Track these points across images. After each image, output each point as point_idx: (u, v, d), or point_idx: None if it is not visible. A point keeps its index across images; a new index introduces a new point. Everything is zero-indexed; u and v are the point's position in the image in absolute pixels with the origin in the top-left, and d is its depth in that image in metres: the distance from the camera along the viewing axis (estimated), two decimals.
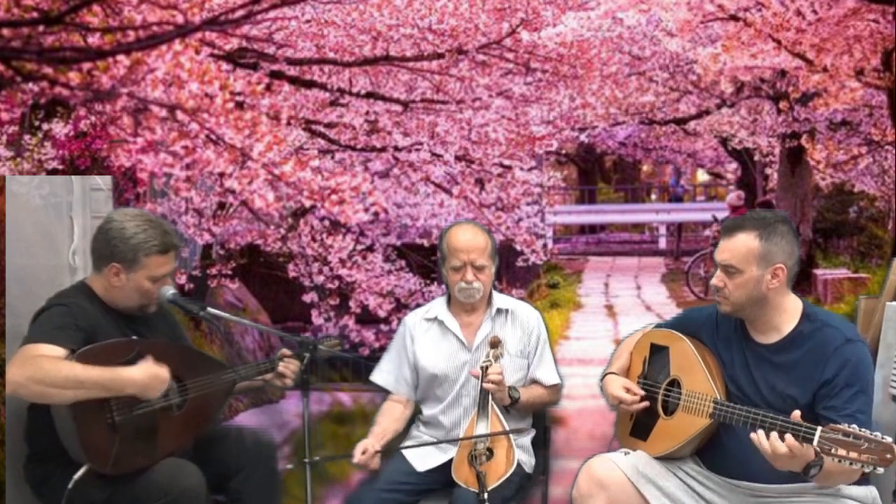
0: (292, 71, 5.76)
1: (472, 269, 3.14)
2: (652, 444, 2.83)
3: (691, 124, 11.78)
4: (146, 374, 2.72)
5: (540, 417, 3.33)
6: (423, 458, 3.15)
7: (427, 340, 3.25)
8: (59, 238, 3.44)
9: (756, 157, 11.81)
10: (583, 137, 12.38)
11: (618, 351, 3.06)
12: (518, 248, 7.03)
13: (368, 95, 6.06)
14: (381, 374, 3.32)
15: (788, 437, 2.40)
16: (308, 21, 5.57)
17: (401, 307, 6.91)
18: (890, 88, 6.69)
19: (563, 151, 17.27)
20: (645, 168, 22.87)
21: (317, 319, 6.96)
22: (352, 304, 6.78)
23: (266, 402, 6.54)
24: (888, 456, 2.28)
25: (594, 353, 7.42)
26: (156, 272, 2.90)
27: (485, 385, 3.01)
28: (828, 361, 2.58)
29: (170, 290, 2.96)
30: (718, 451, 2.74)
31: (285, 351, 3.09)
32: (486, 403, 3.03)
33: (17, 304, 3.12)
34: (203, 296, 6.56)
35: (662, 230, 16.21)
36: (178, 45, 3.61)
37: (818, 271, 9.84)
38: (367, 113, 6.09)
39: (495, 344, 3.08)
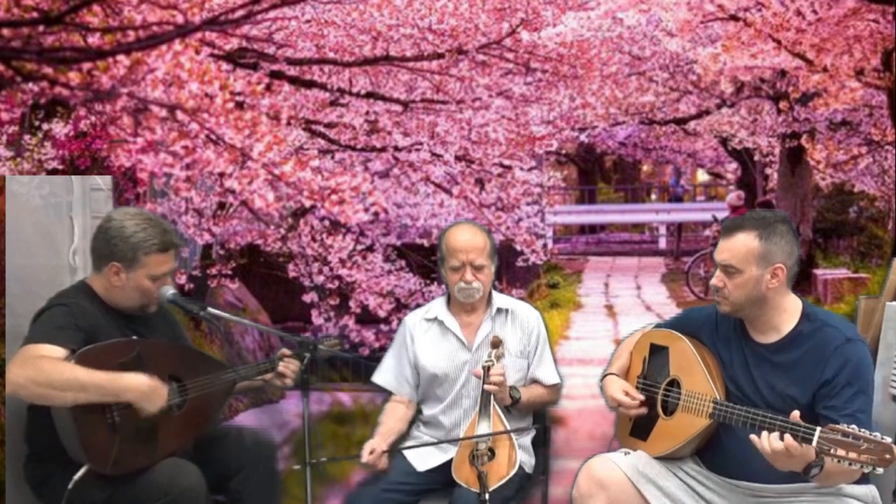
0: (292, 71, 5.77)
1: (470, 269, 3.14)
2: (652, 444, 2.83)
3: (691, 124, 11.78)
4: (147, 385, 2.71)
5: (540, 417, 3.33)
6: (423, 458, 3.15)
7: (427, 340, 3.25)
8: (59, 238, 3.44)
9: (756, 157, 11.81)
10: (583, 137, 12.38)
11: (618, 351, 3.06)
12: (518, 248, 7.03)
13: (368, 95, 6.06)
14: (383, 375, 3.32)
15: (787, 436, 2.40)
16: (308, 21, 5.57)
17: (401, 307, 6.91)
18: (890, 88, 6.69)
19: (563, 151, 17.27)
20: (645, 168, 22.87)
21: (317, 319, 6.96)
22: (352, 304, 6.78)
23: (266, 402, 6.55)
24: (887, 456, 2.28)
25: (594, 353, 7.42)
26: (156, 271, 2.90)
27: (486, 386, 3.01)
28: (828, 361, 2.58)
29: (170, 290, 2.96)
30: (718, 451, 2.74)
31: (285, 351, 3.09)
32: (487, 403, 3.03)
33: (17, 304, 3.12)
34: (203, 296, 6.56)
35: (662, 230, 16.21)
36: (178, 45, 3.61)
37: (818, 271, 9.84)
38: (367, 113, 6.09)
39: (497, 344, 3.08)
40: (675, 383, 2.82)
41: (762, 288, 2.64)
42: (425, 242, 7.76)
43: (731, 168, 15.66)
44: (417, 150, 6.17)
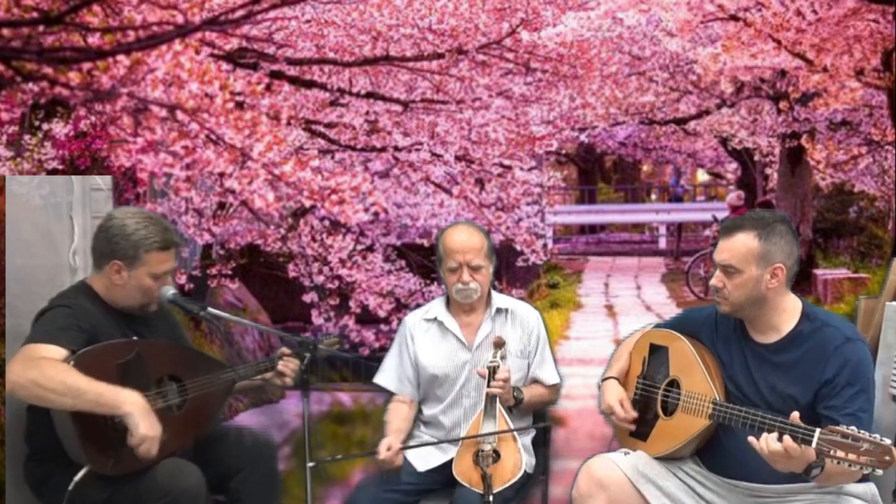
0: (292, 71, 5.77)
1: (468, 270, 3.14)
2: (651, 444, 2.83)
3: (691, 124, 11.78)
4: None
5: (540, 417, 3.33)
6: (423, 458, 3.15)
7: (427, 340, 3.25)
8: (59, 238, 3.44)
9: (756, 157, 11.81)
10: (583, 137, 12.38)
11: (617, 352, 3.06)
12: (518, 248, 7.03)
13: (368, 95, 6.06)
14: (384, 376, 3.32)
15: (786, 438, 2.40)
16: (308, 21, 5.57)
17: (401, 307, 6.91)
18: (890, 88, 6.69)
19: (563, 151, 17.28)
20: (645, 168, 22.87)
21: (317, 319, 6.96)
22: (352, 304, 6.78)
23: (266, 402, 6.55)
24: (887, 458, 2.28)
25: (594, 353, 7.42)
26: (157, 269, 2.90)
27: (492, 386, 3.00)
28: (828, 361, 2.58)
29: (170, 290, 2.96)
30: (718, 452, 2.74)
31: (285, 350, 3.09)
32: (493, 404, 3.02)
33: (17, 304, 3.12)
34: (203, 296, 6.56)
35: (662, 230, 16.21)
36: (178, 45, 3.61)
37: (818, 271, 9.85)
38: (367, 113, 6.09)
39: (500, 344, 3.08)
40: (674, 383, 2.82)
41: (762, 288, 2.64)
42: (425, 242, 7.76)
43: (731, 168, 15.66)
44: (417, 150, 6.17)
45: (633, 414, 2.88)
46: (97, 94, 3.52)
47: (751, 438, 2.47)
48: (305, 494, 2.86)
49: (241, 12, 4.39)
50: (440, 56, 5.85)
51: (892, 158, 8.65)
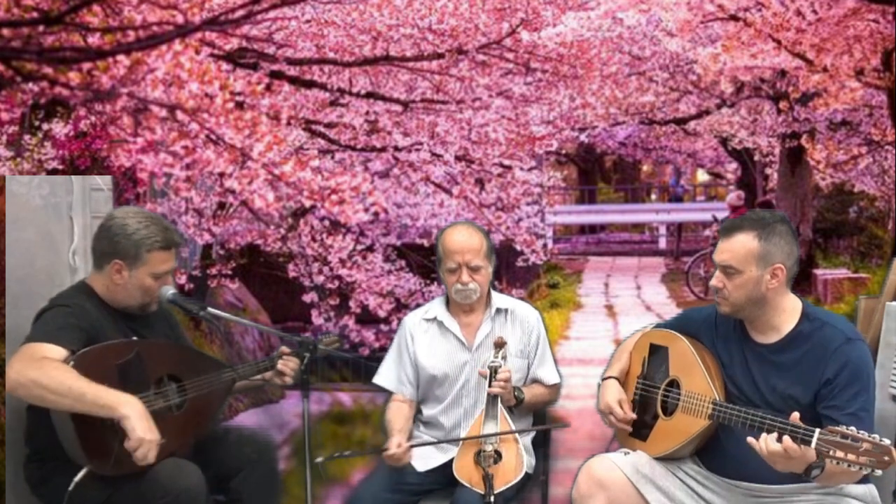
0: (292, 71, 5.77)
1: (467, 271, 3.14)
2: (651, 444, 2.83)
3: (691, 124, 11.78)
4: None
5: (541, 417, 3.33)
6: (423, 459, 3.15)
7: (426, 341, 3.25)
8: (59, 238, 3.43)
9: (756, 157, 11.81)
10: (583, 137, 12.38)
11: (617, 353, 3.06)
12: (518, 248, 7.03)
13: (368, 95, 6.06)
14: (384, 376, 3.31)
15: (786, 438, 2.40)
16: (308, 21, 5.58)
17: (401, 307, 6.91)
18: (890, 88, 6.69)
19: (563, 151, 17.27)
20: (645, 168, 22.87)
21: (317, 319, 6.96)
22: (352, 304, 6.79)
23: (266, 402, 6.55)
24: (886, 458, 2.28)
25: (594, 353, 7.42)
26: (158, 268, 2.91)
27: (494, 386, 3.00)
28: (828, 361, 2.58)
29: (170, 290, 2.96)
30: (718, 452, 2.74)
31: (284, 349, 3.09)
32: (494, 404, 3.02)
33: (17, 304, 3.12)
34: (203, 296, 6.56)
35: (662, 230, 16.21)
36: (178, 45, 3.62)
37: (818, 271, 9.85)
38: (367, 113, 6.09)
39: (501, 345, 3.08)
40: (674, 384, 2.82)
41: (762, 288, 2.64)
42: (425, 242, 7.76)
43: (731, 168, 15.66)
44: (417, 150, 6.18)
45: (632, 416, 2.88)
46: (97, 94, 3.53)
47: (750, 439, 2.47)
48: (305, 494, 2.86)
49: (241, 12, 4.39)
50: (440, 56, 5.86)
51: (892, 158, 8.65)
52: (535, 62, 6.32)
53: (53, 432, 2.75)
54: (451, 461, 3.04)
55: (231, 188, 4.01)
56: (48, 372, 2.61)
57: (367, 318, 6.95)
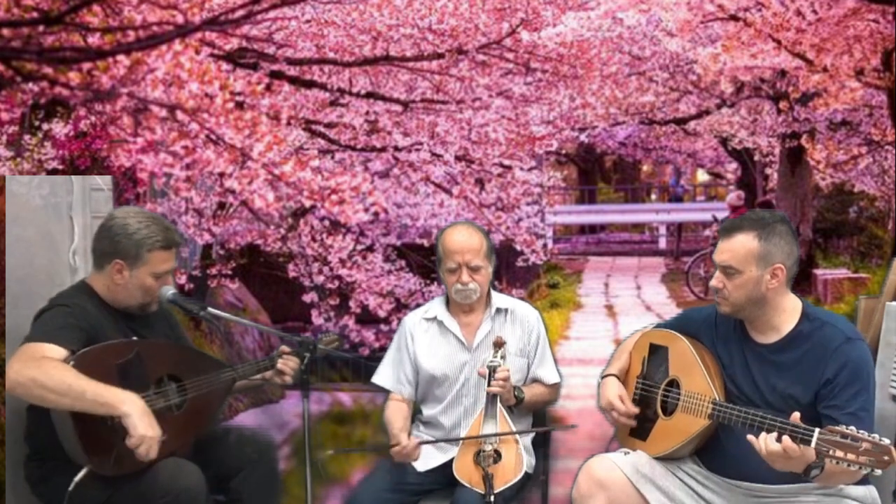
0: (292, 71, 5.77)
1: (467, 271, 3.14)
2: (651, 444, 2.83)
3: (691, 124, 11.78)
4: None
5: (541, 417, 3.33)
6: (423, 459, 3.15)
7: (426, 340, 3.25)
8: (59, 238, 3.44)
9: (756, 157, 11.81)
10: (583, 137, 12.38)
11: (617, 352, 3.06)
12: (518, 248, 7.03)
13: (368, 95, 6.06)
14: (382, 375, 3.32)
15: (785, 438, 2.40)
16: (308, 21, 5.58)
17: (401, 307, 6.92)
18: (890, 88, 6.70)
19: (563, 151, 17.27)
20: (645, 168, 22.87)
21: (317, 319, 6.96)
22: (352, 304, 6.79)
23: (266, 401, 6.55)
24: (886, 458, 2.28)
25: (594, 353, 7.42)
26: (158, 268, 2.91)
27: (493, 385, 3.00)
28: (828, 361, 2.58)
29: (170, 290, 2.96)
30: (718, 452, 2.74)
31: (284, 348, 3.09)
32: (493, 404, 3.02)
33: (17, 304, 3.12)
34: (203, 296, 6.56)
35: (662, 230, 16.21)
36: (178, 45, 3.62)
37: (818, 271, 9.85)
38: (367, 113, 6.09)
39: (500, 344, 3.08)
40: (674, 383, 2.82)
41: (762, 288, 2.64)
42: (425, 242, 7.76)
43: (731, 168, 15.66)
44: (417, 150, 6.18)
45: (634, 409, 2.87)
46: (97, 94, 3.53)
47: (750, 437, 2.47)
48: (305, 494, 2.86)
49: (241, 12, 4.39)
50: (440, 56, 5.86)
51: (892, 158, 8.66)
52: (535, 62, 6.32)
53: (53, 432, 2.75)
54: (451, 461, 3.05)
55: (231, 188, 4.01)
56: (48, 371, 2.61)
57: (367, 318, 6.95)
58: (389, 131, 6.08)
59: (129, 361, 2.77)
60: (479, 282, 3.16)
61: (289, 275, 6.93)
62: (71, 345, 2.71)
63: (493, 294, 3.27)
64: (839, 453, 2.31)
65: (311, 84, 5.89)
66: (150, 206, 6.03)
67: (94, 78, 3.50)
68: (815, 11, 6.35)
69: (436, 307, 3.29)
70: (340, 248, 6.64)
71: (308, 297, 6.92)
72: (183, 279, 6.20)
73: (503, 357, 3.06)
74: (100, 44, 3.63)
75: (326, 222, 6.65)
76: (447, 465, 3.06)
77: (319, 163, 4.42)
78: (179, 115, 3.66)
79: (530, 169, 6.99)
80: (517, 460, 2.97)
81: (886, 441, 2.31)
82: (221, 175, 4.06)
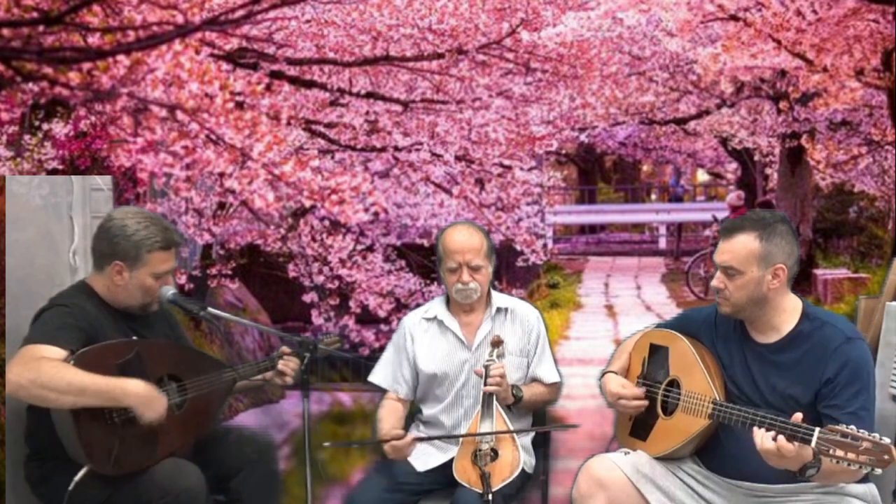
0: (292, 71, 5.77)
1: (467, 270, 3.14)
2: (651, 444, 2.83)
3: (691, 124, 11.77)
4: (146, 390, 2.71)
5: (541, 417, 3.33)
6: (423, 458, 3.15)
7: (426, 340, 3.25)
8: (59, 238, 3.43)
9: (756, 157, 11.80)
10: (583, 137, 12.37)
11: (617, 352, 3.06)
12: (518, 248, 7.03)
13: (368, 95, 6.06)
14: (379, 374, 3.32)
15: (780, 438, 2.40)
16: (308, 21, 5.58)
17: (401, 307, 6.92)
18: (890, 88, 6.70)
19: (563, 151, 17.26)
20: (645, 168, 22.86)
21: (317, 319, 6.96)
22: (352, 304, 6.79)
23: (266, 402, 6.55)
24: (886, 457, 2.28)
25: (594, 353, 7.42)
26: (158, 269, 2.91)
27: (488, 383, 3.01)
28: (828, 360, 2.58)
29: (170, 290, 2.96)
30: (718, 452, 2.74)
31: (285, 349, 3.09)
32: (490, 403, 3.03)
33: (17, 304, 3.12)
34: (203, 296, 6.56)
35: (662, 230, 16.20)
36: (178, 45, 3.62)
37: (818, 271, 9.85)
38: (367, 113, 6.10)
39: (497, 343, 3.09)
40: (674, 383, 2.82)
41: (763, 289, 2.64)
42: (425, 242, 7.76)
43: (731, 168, 15.65)
44: (417, 150, 6.18)
45: (639, 391, 2.86)
46: (97, 94, 3.53)
47: (754, 428, 2.47)
48: (305, 494, 2.86)
49: (241, 12, 4.39)
50: (440, 56, 5.86)
51: (892, 158, 8.65)
52: (535, 62, 6.33)
53: (53, 431, 2.75)
54: (450, 461, 3.04)
55: (231, 188, 4.02)
56: (46, 371, 2.61)
57: (367, 318, 6.95)
58: (389, 131, 6.08)
59: (128, 361, 2.77)
60: (479, 281, 3.16)
61: (289, 275, 6.93)
62: (70, 345, 2.71)
63: (494, 294, 3.27)
64: (839, 452, 2.31)
65: (311, 84, 5.89)
66: (150, 206, 6.03)
67: (94, 78, 3.50)
68: (815, 11, 6.35)
69: (436, 307, 3.29)
70: (340, 248, 6.64)
71: (308, 297, 6.93)
72: (183, 279, 6.20)
73: (500, 356, 3.06)
74: (100, 44, 3.63)
75: (326, 222, 6.65)
76: (447, 465, 3.05)
77: (319, 163, 4.42)
78: (179, 115, 3.67)
79: (530, 169, 6.99)
80: (514, 457, 2.97)
81: (887, 440, 2.31)
82: (221, 175, 4.06)
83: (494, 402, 3.03)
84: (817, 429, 2.37)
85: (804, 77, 6.87)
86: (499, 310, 3.24)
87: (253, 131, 3.82)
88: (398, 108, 6.14)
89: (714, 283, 2.71)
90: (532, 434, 3.24)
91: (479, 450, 2.96)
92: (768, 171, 12.18)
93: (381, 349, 3.41)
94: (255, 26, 5.28)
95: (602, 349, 7.26)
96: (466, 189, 6.59)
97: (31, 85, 3.51)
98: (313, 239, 6.66)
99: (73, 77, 3.47)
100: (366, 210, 4.11)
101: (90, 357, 2.70)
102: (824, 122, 9.20)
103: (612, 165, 21.41)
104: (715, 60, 7.00)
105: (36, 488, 2.88)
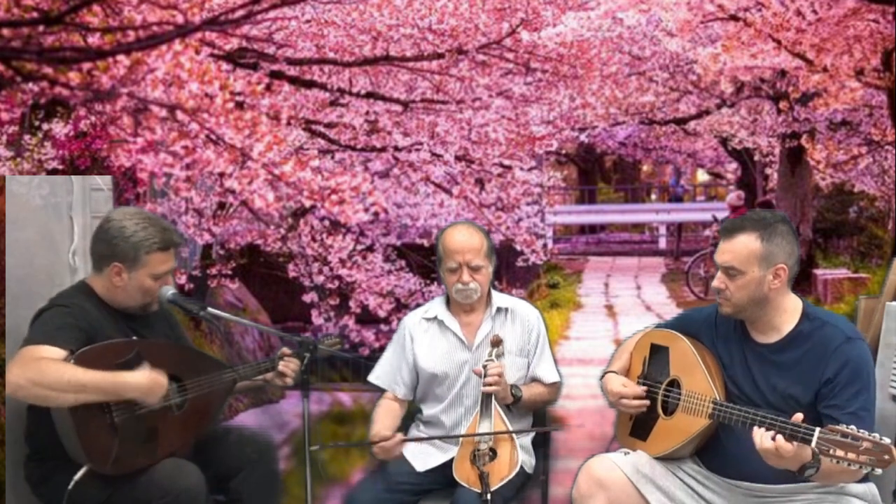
0: (292, 71, 5.77)
1: (468, 270, 3.14)
2: (651, 444, 2.83)
3: (691, 124, 11.76)
4: (147, 380, 2.72)
5: (541, 417, 3.33)
6: (423, 458, 3.15)
7: (427, 340, 3.25)
8: (59, 238, 3.43)
9: (756, 157, 11.80)
10: (583, 137, 12.37)
11: (617, 352, 3.06)
12: (518, 248, 7.03)
13: (368, 95, 6.06)
14: (378, 374, 3.32)
15: (779, 438, 2.41)
16: (308, 21, 5.58)
17: (401, 307, 6.91)
18: (890, 88, 6.70)
19: (563, 151, 17.26)
20: (645, 168, 22.86)
21: (317, 319, 6.96)
22: (352, 304, 6.79)
23: (266, 402, 6.55)
24: (886, 457, 2.28)
25: (594, 353, 7.42)
26: (157, 270, 2.90)
27: (485, 384, 3.01)
28: (829, 360, 2.58)
29: (170, 290, 2.96)
30: (718, 452, 2.74)
31: (285, 350, 3.09)
32: (488, 403, 3.03)
33: (17, 304, 3.12)
34: (203, 296, 6.56)
35: (662, 230, 16.20)
36: (178, 45, 3.62)
37: (818, 271, 9.84)
38: (367, 113, 6.09)
39: (496, 343, 3.09)
40: (675, 383, 2.82)
41: (764, 289, 2.64)
42: (425, 242, 7.76)
43: (731, 168, 15.65)
44: (417, 150, 6.18)
45: (640, 390, 2.86)
46: (97, 94, 3.53)
47: (755, 427, 2.47)
48: (305, 494, 2.86)
49: (241, 12, 4.39)
50: (440, 56, 5.86)
51: (892, 158, 8.65)
52: (535, 62, 6.33)
53: (54, 431, 2.75)
54: (450, 461, 3.04)
55: (231, 188, 4.02)
56: (45, 371, 2.62)
57: (367, 318, 6.95)
58: (389, 131, 6.08)
59: (129, 361, 2.77)
60: (479, 281, 3.16)
61: (289, 275, 6.93)
62: (69, 344, 2.71)
63: (494, 293, 3.27)
64: (839, 452, 2.31)
65: (311, 84, 5.89)
66: (150, 206, 6.02)
67: (94, 78, 3.50)
68: (815, 11, 6.35)
69: (436, 307, 3.29)
70: (340, 248, 6.64)
71: (308, 297, 6.92)
72: (183, 279, 6.20)
73: (499, 356, 3.06)
74: (100, 44, 3.63)
75: (326, 222, 6.64)
76: (447, 466, 3.06)
77: (319, 163, 4.42)
78: (179, 115, 3.67)
79: (530, 169, 6.98)
80: (512, 456, 2.97)
81: (887, 440, 2.31)
82: (221, 175, 4.06)
83: (493, 402, 3.03)
84: (817, 429, 2.37)
85: (804, 77, 6.87)
86: (499, 310, 3.24)
87: (253, 131, 3.82)
88: (398, 108, 6.14)
89: (715, 283, 2.71)
90: (532, 434, 3.24)
91: (478, 450, 2.96)
92: (768, 171, 12.18)
93: (381, 349, 3.41)
94: (255, 26, 5.28)
95: (602, 349, 7.26)
96: (466, 189, 6.59)
97: (31, 85, 3.51)
98: (313, 239, 6.66)
99: (73, 77, 3.47)
100: (366, 210, 4.11)
101: (90, 357, 2.70)
102: (824, 122, 9.19)
103: (612, 165, 21.41)
104: (715, 60, 7.00)
105: (36, 488, 2.89)
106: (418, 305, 3.50)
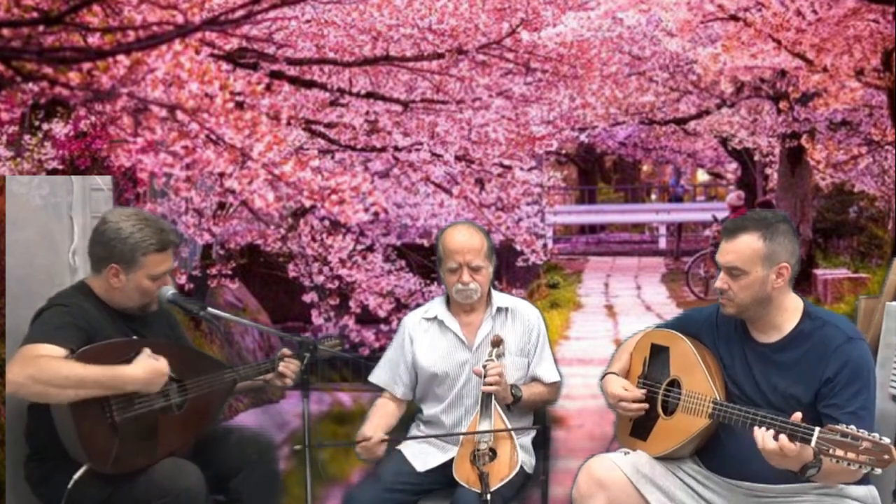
0: (292, 71, 5.77)
1: (468, 271, 3.14)
2: (652, 444, 2.83)
3: (691, 124, 11.76)
4: (146, 370, 2.72)
5: (540, 418, 3.33)
6: (423, 458, 3.15)
7: (427, 340, 3.25)
8: (59, 238, 3.43)
9: (756, 157, 11.80)
10: (583, 137, 12.36)
11: (618, 352, 3.06)
12: (518, 248, 7.03)
13: (368, 95, 6.06)
14: (377, 373, 3.33)
15: (782, 437, 2.41)
16: (308, 21, 5.57)
17: (401, 307, 6.91)
18: (890, 88, 6.69)
19: (563, 151, 17.25)
20: (645, 168, 22.86)
21: (317, 319, 6.96)
22: (352, 304, 6.78)
23: (266, 402, 6.55)
24: (886, 457, 2.29)
25: (594, 353, 7.42)
26: (155, 270, 2.90)
27: (485, 384, 3.01)
28: (829, 360, 2.58)
29: (170, 290, 2.96)
30: (718, 452, 2.74)
31: (286, 351, 3.09)
32: (488, 403, 3.03)
33: (17, 304, 3.12)
34: (203, 296, 6.56)
35: (662, 230, 16.20)
36: (178, 45, 3.62)
37: (818, 271, 9.84)
38: (367, 113, 6.09)
39: (497, 343, 3.09)
40: (675, 383, 2.82)
41: (767, 288, 2.64)
42: (425, 242, 7.76)
43: (731, 168, 15.65)
44: (417, 150, 6.18)
45: (640, 393, 2.86)
46: (97, 94, 3.53)
47: (755, 428, 2.47)
48: (305, 494, 2.86)
49: (241, 12, 4.39)
50: (440, 56, 5.85)
51: (892, 158, 8.65)
52: (535, 62, 6.32)
53: (54, 431, 2.75)
54: (450, 461, 3.05)
55: (231, 188, 4.02)
56: (44, 368, 2.62)
57: (367, 318, 6.94)
58: (389, 131, 6.08)
59: (129, 361, 2.77)
60: (479, 282, 3.16)
61: (289, 275, 6.93)
62: (69, 344, 2.71)
63: (494, 293, 3.27)
64: (839, 452, 2.31)
65: (311, 84, 5.89)
66: (150, 207, 6.02)
67: (94, 78, 3.50)
68: (815, 11, 6.35)
69: (436, 307, 3.29)
70: (340, 248, 6.64)
71: (308, 297, 6.92)
72: (183, 279, 6.19)
73: (499, 356, 3.06)
74: (100, 44, 3.63)
75: (326, 222, 6.64)
76: (447, 465, 3.06)
77: (319, 163, 4.42)
78: (179, 115, 3.67)
79: (530, 169, 6.98)
80: (512, 456, 2.97)
81: (887, 440, 2.31)
82: (221, 175, 4.06)
83: (493, 402, 3.03)
84: (817, 428, 2.37)
85: (804, 77, 6.86)
86: (499, 309, 3.24)
87: (253, 131, 3.81)
88: (398, 108, 6.13)
89: (718, 283, 2.71)
90: (532, 434, 3.24)
91: (478, 450, 2.96)
92: (768, 171, 12.18)
93: (381, 349, 3.42)
94: (255, 26, 5.28)
95: (602, 349, 7.27)
96: (466, 189, 6.58)
97: (31, 85, 3.51)
98: (313, 239, 6.66)
99: (73, 77, 3.47)
100: (366, 210, 4.11)
101: (90, 356, 2.70)
102: (824, 122, 9.19)
103: (612, 165, 21.40)
104: (715, 60, 7.00)
105: (36, 488, 2.89)
106: (418, 305, 3.50)
